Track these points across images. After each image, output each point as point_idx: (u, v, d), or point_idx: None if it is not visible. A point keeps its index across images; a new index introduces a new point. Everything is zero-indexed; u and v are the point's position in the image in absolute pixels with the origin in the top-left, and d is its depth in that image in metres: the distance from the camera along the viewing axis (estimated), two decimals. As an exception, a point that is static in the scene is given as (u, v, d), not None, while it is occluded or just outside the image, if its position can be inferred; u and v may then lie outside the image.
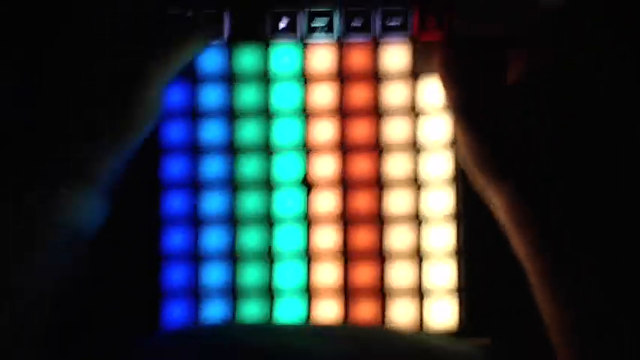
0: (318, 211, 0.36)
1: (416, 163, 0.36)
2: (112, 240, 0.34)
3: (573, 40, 0.31)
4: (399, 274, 0.35)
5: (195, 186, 0.36)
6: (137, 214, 0.35)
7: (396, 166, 0.36)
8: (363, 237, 0.36)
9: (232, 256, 0.36)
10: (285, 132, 0.36)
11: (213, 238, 0.36)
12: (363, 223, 0.36)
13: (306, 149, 0.36)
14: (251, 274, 0.35)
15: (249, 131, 0.36)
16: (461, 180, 0.35)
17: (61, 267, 0.31)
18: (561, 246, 0.28)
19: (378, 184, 0.36)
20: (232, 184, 0.36)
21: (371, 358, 0.30)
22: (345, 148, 0.36)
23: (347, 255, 0.36)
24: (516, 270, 0.30)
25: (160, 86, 0.33)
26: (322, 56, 0.36)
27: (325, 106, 0.36)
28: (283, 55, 0.36)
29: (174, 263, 0.35)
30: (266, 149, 0.36)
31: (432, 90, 0.36)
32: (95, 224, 0.32)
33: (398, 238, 0.36)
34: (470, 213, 0.35)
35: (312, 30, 0.36)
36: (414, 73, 0.36)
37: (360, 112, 0.36)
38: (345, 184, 0.36)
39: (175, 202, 0.36)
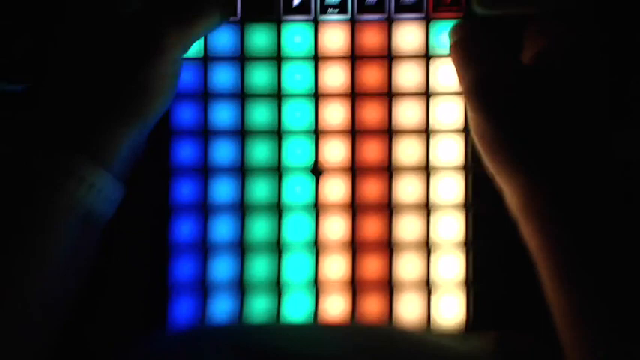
0: (327, 199, 0.35)
1: (427, 149, 0.35)
2: (117, 230, 0.33)
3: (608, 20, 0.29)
4: (407, 267, 0.35)
5: (204, 172, 0.35)
6: (145, 202, 0.35)
7: (406, 151, 0.35)
8: (371, 227, 0.35)
9: (240, 248, 0.35)
10: (295, 114, 0.35)
11: (222, 228, 0.35)
12: (372, 211, 0.35)
13: (317, 133, 0.35)
14: (259, 267, 0.35)
15: (259, 114, 0.35)
16: (472, 167, 0.34)
17: (74, 256, 0.30)
18: (578, 238, 0.27)
19: (389, 170, 0.35)
20: (241, 170, 0.35)
21: None
22: (355, 132, 0.35)
23: (355, 246, 0.35)
24: (526, 262, 0.29)
25: (176, 62, 0.32)
26: (335, 36, 0.35)
27: (337, 88, 0.35)
28: (295, 34, 0.35)
29: (181, 255, 0.35)
30: (276, 133, 0.35)
31: (446, 71, 0.34)
32: (110, 209, 0.31)
33: (407, 228, 0.35)
34: (480, 202, 0.34)
35: (325, 9, 0.35)
36: (428, 54, 0.35)
37: (372, 94, 0.35)
38: (355, 170, 0.35)
39: (184, 190, 0.35)
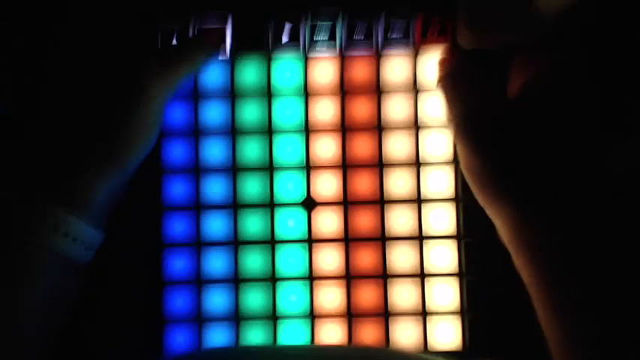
0: (321, 232, 0.35)
1: (418, 181, 0.35)
2: (112, 264, 0.34)
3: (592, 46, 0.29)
4: (402, 295, 0.35)
5: (196, 209, 0.35)
6: (138, 238, 0.35)
7: (397, 184, 0.35)
8: (365, 257, 0.35)
9: (235, 280, 0.35)
10: (287, 149, 0.36)
11: (216, 261, 0.35)
12: (366, 242, 0.35)
13: (308, 167, 0.36)
14: (254, 298, 0.35)
15: (250, 150, 0.36)
16: (462, 198, 0.34)
17: (54, 295, 0.30)
18: (569, 269, 0.27)
19: (381, 203, 0.35)
20: (234, 207, 0.35)
21: None
22: (347, 165, 0.36)
23: (349, 276, 0.35)
24: (520, 290, 0.29)
25: (159, 104, 0.32)
26: (324, 69, 0.36)
27: (327, 122, 0.36)
28: (285, 69, 0.36)
29: (176, 288, 0.35)
30: (268, 168, 0.36)
31: (435, 103, 0.35)
32: (88, 255, 0.31)
33: (400, 258, 0.35)
34: (471, 231, 0.34)
35: (314, 42, 0.35)
36: (416, 86, 0.35)
37: (362, 127, 0.36)
38: (347, 203, 0.35)
39: (177, 225, 0.35)
